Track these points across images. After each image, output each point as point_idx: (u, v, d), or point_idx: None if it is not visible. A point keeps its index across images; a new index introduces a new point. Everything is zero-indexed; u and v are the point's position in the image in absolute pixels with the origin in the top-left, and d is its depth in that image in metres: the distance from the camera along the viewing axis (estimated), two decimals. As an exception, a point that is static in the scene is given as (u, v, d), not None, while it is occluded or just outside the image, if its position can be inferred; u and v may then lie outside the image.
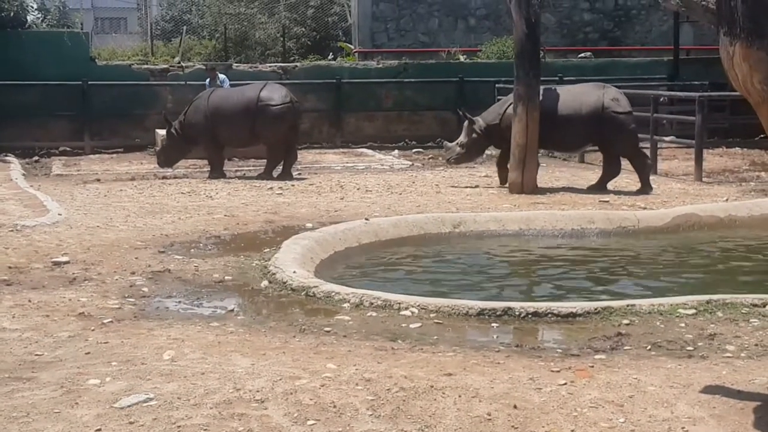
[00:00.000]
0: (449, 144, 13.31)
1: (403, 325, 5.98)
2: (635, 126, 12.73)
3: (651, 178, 12.58)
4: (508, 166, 12.41)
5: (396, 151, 18.03)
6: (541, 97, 12.36)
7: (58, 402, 4.53)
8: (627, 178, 12.79)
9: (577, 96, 12.73)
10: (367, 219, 9.44)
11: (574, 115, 12.43)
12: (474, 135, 12.88)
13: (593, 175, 13.92)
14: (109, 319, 6.11)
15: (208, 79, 16.56)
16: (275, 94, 13.80)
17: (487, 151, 14.33)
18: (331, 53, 23.97)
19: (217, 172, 13.94)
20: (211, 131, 13.85)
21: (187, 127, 14.07)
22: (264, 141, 14.01)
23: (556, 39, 23.28)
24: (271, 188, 12.55)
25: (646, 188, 12.34)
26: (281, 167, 13.88)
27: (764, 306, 6.16)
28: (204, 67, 17.94)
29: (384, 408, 4.42)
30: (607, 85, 13.08)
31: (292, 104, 13.80)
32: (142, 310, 6.43)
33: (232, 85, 15.99)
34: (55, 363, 5.17)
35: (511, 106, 12.50)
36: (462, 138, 13.00)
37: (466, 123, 12.95)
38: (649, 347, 5.47)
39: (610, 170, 12.71)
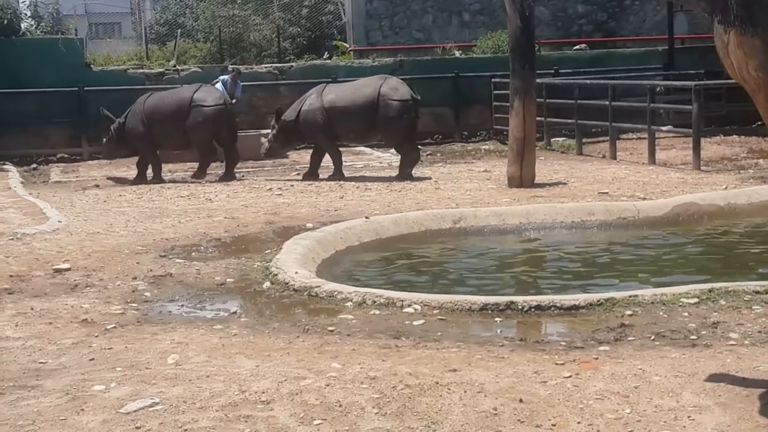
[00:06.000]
0: (262, 139, 14.19)
1: (407, 322, 5.98)
2: (409, 115, 13.21)
3: (649, 168, 12.57)
4: (507, 159, 12.44)
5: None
6: (327, 92, 13.40)
7: (63, 409, 4.53)
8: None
9: (358, 88, 13.44)
10: (367, 217, 9.45)
11: (353, 105, 13.13)
12: (277, 132, 13.73)
13: (591, 167, 13.94)
14: (113, 325, 6.11)
15: (221, 80, 16.68)
16: (209, 96, 13.92)
17: (485, 146, 14.33)
18: (326, 52, 23.94)
19: (157, 178, 13.89)
20: (149, 134, 13.89)
21: (126, 132, 14.12)
22: (192, 142, 14.03)
23: (551, 32, 23.27)
24: (270, 189, 12.55)
25: (403, 174, 13.13)
26: (224, 169, 13.98)
27: (766, 293, 6.17)
28: (200, 69, 17.89)
29: (390, 406, 4.42)
30: (389, 76, 13.96)
31: (225, 106, 13.96)
32: (145, 315, 6.43)
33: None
34: (60, 370, 5.17)
35: (305, 102, 13.48)
36: (270, 134, 13.98)
37: (273, 120, 13.84)
38: (653, 337, 5.47)
39: (410, 156, 13.36)
